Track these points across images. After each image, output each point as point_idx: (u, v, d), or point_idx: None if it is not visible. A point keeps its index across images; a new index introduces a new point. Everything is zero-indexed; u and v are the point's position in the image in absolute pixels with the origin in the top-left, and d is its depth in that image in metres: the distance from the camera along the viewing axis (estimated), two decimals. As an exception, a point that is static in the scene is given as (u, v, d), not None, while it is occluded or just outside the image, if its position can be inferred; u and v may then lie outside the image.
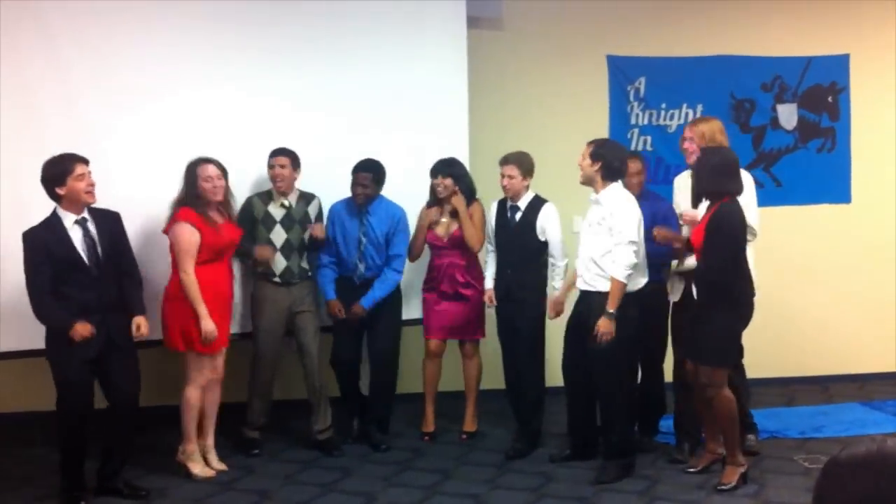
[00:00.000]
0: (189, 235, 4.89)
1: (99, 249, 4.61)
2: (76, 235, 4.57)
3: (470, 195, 5.60)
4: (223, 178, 5.04)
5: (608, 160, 4.93)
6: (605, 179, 4.95)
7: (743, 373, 5.33)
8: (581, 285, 5.04)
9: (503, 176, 5.43)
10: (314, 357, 5.45)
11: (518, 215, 5.47)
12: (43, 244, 4.50)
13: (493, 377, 5.79)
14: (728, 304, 4.71)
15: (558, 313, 5.41)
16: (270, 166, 5.35)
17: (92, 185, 4.57)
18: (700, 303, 4.79)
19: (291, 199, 5.44)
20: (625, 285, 4.83)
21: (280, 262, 5.40)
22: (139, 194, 5.15)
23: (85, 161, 4.57)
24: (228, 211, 5.14)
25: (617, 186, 4.98)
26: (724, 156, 4.77)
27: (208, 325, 4.88)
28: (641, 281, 4.98)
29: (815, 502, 1.36)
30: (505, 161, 5.44)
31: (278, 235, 5.38)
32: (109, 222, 4.70)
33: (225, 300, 5.08)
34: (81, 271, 4.56)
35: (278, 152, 5.36)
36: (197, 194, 4.97)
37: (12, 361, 5.27)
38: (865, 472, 1.30)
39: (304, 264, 5.49)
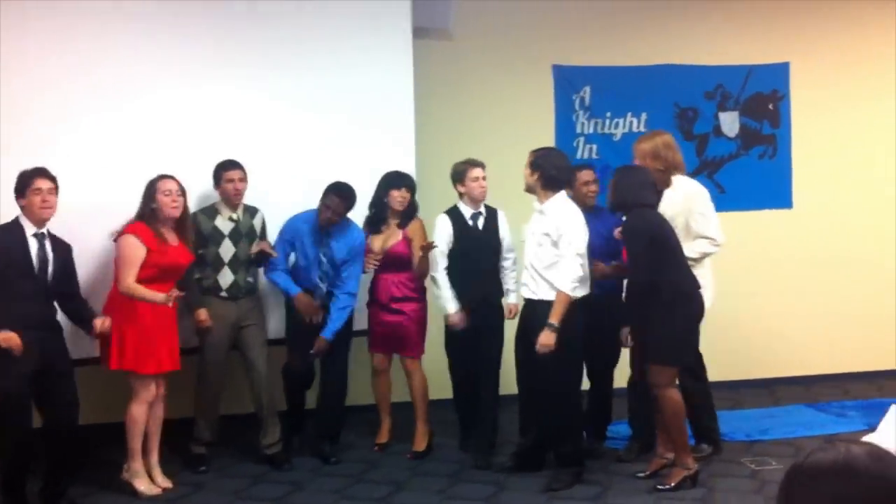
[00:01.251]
0: (134, 248, 4.83)
1: (50, 268, 4.62)
2: (33, 247, 4.57)
3: (414, 214, 5.57)
4: (182, 196, 4.98)
5: (545, 169, 4.96)
6: (545, 189, 4.98)
7: (704, 381, 5.37)
8: (526, 293, 5.06)
9: (476, 178, 5.41)
10: (261, 371, 5.39)
11: (481, 221, 5.47)
12: (1, 246, 4.49)
13: (443, 387, 5.75)
14: (664, 306, 4.78)
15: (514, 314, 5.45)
16: (228, 180, 5.26)
17: (46, 201, 4.55)
18: (639, 308, 4.88)
19: (238, 213, 5.39)
20: (570, 298, 4.85)
21: (227, 277, 5.34)
22: (87, 207, 5.06)
23: (47, 176, 4.58)
24: (185, 233, 5.06)
25: (560, 197, 4.99)
26: (641, 173, 4.96)
27: (157, 296, 4.78)
28: (584, 290, 5.00)
29: None
30: (476, 164, 5.46)
31: (227, 250, 5.32)
32: (63, 250, 4.72)
33: (169, 321, 4.97)
34: (29, 282, 4.53)
35: (233, 165, 5.29)
36: (154, 209, 4.91)
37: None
38: (831, 481, 1.30)
39: (251, 279, 5.43)
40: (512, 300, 5.50)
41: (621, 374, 5.53)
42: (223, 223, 5.34)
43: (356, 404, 5.93)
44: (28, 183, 4.56)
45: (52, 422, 4.66)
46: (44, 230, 4.63)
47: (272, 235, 5.53)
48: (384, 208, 5.52)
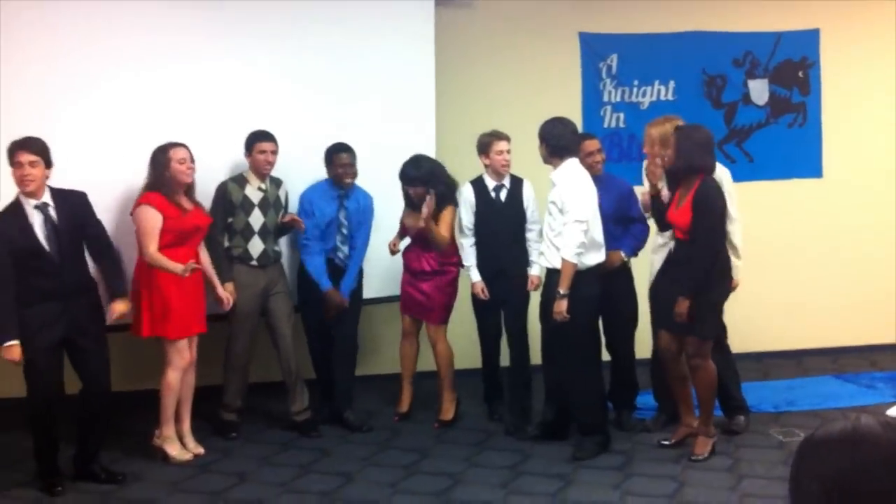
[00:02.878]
0: (151, 218, 4.87)
1: (61, 234, 4.56)
2: (37, 221, 4.52)
3: (449, 194, 5.51)
4: (193, 162, 5.01)
5: (547, 139, 5.00)
6: (553, 158, 4.99)
7: (729, 353, 5.36)
8: (544, 263, 5.08)
9: (501, 152, 5.40)
10: (288, 339, 5.45)
11: (504, 193, 5.46)
12: (4, 234, 4.44)
13: (469, 357, 5.77)
14: (715, 278, 4.79)
15: (536, 286, 5.44)
16: (261, 151, 5.30)
17: (27, 175, 4.48)
18: (691, 281, 4.78)
19: (266, 183, 5.43)
20: (574, 265, 4.84)
21: (258, 245, 5.39)
22: (100, 178, 5.02)
23: (30, 150, 4.48)
24: (193, 197, 5.10)
25: (570, 164, 4.98)
26: (704, 132, 4.87)
27: (176, 267, 4.84)
28: (596, 257, 5.00)
29: (791, 481, 1.36)
30: (500, 137, 5.43)
31: (256, 219, 5.37)
32: (73, 204, 4.64)
33: (193, 286, 5.02)
34: (43, 259, 4.51)
35: (267, 137, 5.33)
36: (166, 178, 4.93)
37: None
38: (840, 451, 1.30)
39: (277, 247, 5.49)
40: (534, 272, 5.48)
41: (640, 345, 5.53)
42: (253, 192, 5.38)
43: (380, 373, 5.96)
44: (11, 157, 4.50)
45: (84, 386, 4.72)
46: (44, 199, 4.56)
47: (292, 208, 5.57)
48: (410, 198, 5.56)
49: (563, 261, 4.84)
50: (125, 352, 5.27)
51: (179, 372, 5.02)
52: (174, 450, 5.06)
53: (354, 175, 5.51)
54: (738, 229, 5.13)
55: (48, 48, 5.08)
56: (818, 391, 6.09)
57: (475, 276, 5.48)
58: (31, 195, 4.52)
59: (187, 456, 5.08)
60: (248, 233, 5.36)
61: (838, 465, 1.29)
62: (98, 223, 4.78)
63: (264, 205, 5.39)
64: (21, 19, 5.01)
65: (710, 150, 4.83)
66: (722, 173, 5.09)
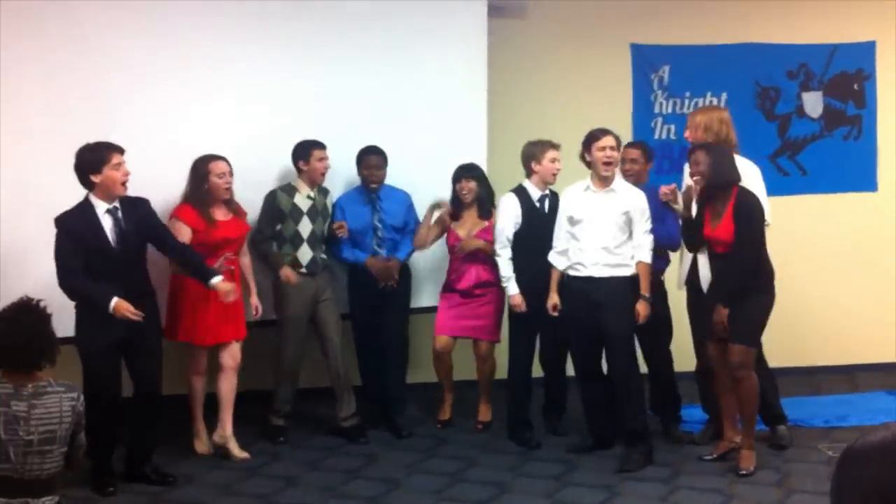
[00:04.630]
0: (179, 232, 4.98)
1: (128, 240, 4.68)
2: (107, 224, 4.64)
3: (489, 200, 5.60)
4: (232, 175, 5.12)
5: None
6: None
7: (766, 364, 5.32)
8: (594, 273, 5.07)
9: (554, 160, 5.42)
10: (337, 345, 5.51)
11: (547, 204, 5.47)
12: (75, 231, 4.57)
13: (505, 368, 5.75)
14: (760, 286, 4.83)
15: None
16: (319, 158, 5.40)
17: (127, 174, 4.64)
18: (731, 288, 4.81)
19: (314, 191, 5.50)
20: (651, 268, 5.03)
21: (307, 253, 5.47)
22: (151, 188, 5.04)
23: (121, 150, 4.64)
24: (234, 205, 5.20)
25: (620, 177, 5.18)
26: (726, 150, 4.97)
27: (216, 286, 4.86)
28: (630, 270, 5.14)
29: (833, 492, 1.36)
30: (551, 146, 5.44)
31: (305, 227, 5.45)
32: (139, 209, 4.77)
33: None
34: (109, 259, 4.62)
35: (323, 145, 5.43)
36: (203, 190, 5.04)
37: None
38: (881, 459, 1.30)
39: (324, 255, 5.56)
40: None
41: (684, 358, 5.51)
42: (302, 200, 5.45)
43: (421, 381, 6.00)
44: (105, 158, 4.57)
45: (138, 386, 4.83)
46: (115, 203, 4.67)
47: None
48: (456, 199, 5.60)
49: (645, 265, 5.03)
50: (178, 356, 5.35)
51: (196, 375, 5.19)
52: (199, 445, 5.24)
53: (382, 178, 5.57)
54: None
55: (90, 56, 5.19)
56: (870, 407, 5.99)
57: (514, 289, 5.41)
58: (111, 198, 4.63)
59: (204, 449, 5.22)
60: (297, 240, 5.44)
61: (878, 474, 1.29)
62: (164, 226, 4.91)
63: (313, 213, 5.47)
64: (86, 31, 5.16)
65: (735, 164, 4.92)
66: (746, 171, 5.06)
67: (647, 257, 5.05)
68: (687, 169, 5.30)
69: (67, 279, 4.56)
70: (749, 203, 4.82)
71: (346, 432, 5.53)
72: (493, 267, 5.52)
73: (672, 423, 5.52)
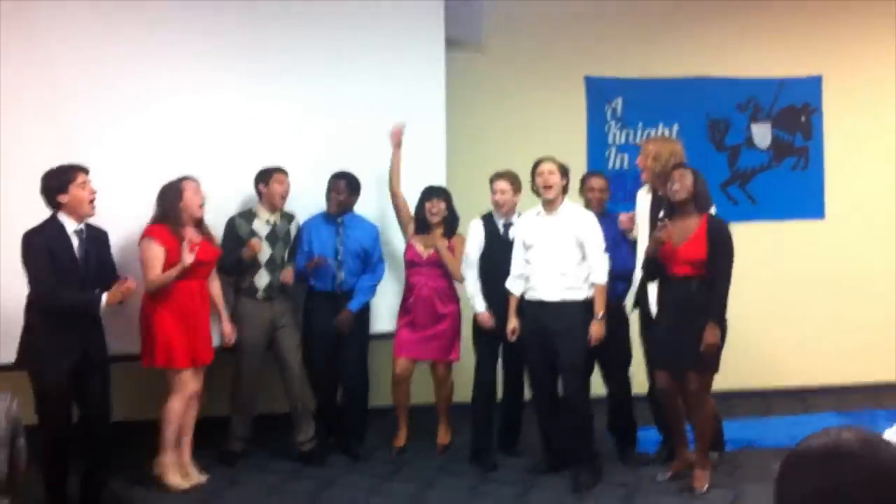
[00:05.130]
0: (153, 251, 4.98)
1: (91, 262, 4.70)
2: (75, 243, 4.65)
3: (455, 224, 5.72)
4: (204, 196, 5.15)
5: (568, 177, 5.31)
6: (563, 195, 5.28)
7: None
8: (546, 297, 5.15)
9: (495, 191, 5.51)
10: (295, 371, 5.52)
11: (512, 231, 5.53)
12: (46, 246, 4.55)
13: (464, 390, 5.78)
14: (723, 311, 4.90)
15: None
16: (279, 181, 5.45)
17: (94, 193, 4.66)
18: (695, 312, 4.86)
19: (275, 216, 5.54)
20: (605, 289, 5.10)
21: (263, 278, 5.48)
22: (109, 212, 5.03)
23: (86, 170, 4.67)
24: (206, 230, 5.22)
25: (568, 201, 5.32)
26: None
27: (182, 262, 4.91)
28: (590, 292, 5.22)
29: (776, 497, 1.40)
30: (497, 176, 5.54)
31: (263, 252, 5.47)
32: (100, 239, 4.80)
33: (197, 317, 5.11)
34: (74, 279, 4.62)
35: (282, 171, 5.48)
36: (178, 210, 5.04)
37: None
38: (822, 465, 1.35)
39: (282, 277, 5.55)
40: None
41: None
42: (260, 226, 5.49)
43: (380, 405, 6.03)
44: (71, 178, 4.60)
45: (87, 414, 4.79)
46: (82, 226, 4.69)
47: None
48: (423, 218, 5.69)
49: (600, 287, 5.11)
50: (128, 382, 5.33)
51: (183, 401, 5.08)
52: (174, 478, 5.10)
53: (349, 205, 5.64)
54: None
55: (57, 82, 5.23)
56: (820, 427, 6.06)
57: (480, 305, 5.52)
58: (79, 218, 4.64)
59: (186, 485, 5.11)
60: (254, 266, 5.45)
61: (819, 479, 1.34)
62: (113, 263, 4.90)
63: (272, 237, 5.50)
64: (47, 42, 5.19)
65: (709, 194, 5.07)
66: None
67: (601, 279, 5.13)
68: (641, 195, 5.43)
69: (51, 292, 4.55)
70: (725, 229, 4.93)
71: (304, 457, 5.53)
72: (449, 286, 5.62)
73: (628, 446, 5.59)
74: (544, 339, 5.14)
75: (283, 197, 5.49)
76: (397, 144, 5.73)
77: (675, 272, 4.95)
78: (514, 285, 5.32)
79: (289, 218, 5.63)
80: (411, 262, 5.71)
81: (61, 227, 4.62)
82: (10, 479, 3.45)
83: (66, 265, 4.59)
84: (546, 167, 5.24)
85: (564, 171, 5.28)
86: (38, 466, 4.66)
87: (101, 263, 4.77)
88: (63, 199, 4.61)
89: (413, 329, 5.68)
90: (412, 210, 5.74)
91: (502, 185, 5.50)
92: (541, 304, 5.17)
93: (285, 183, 5.47)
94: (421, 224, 5.69)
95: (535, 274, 5.21)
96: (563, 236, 5.17)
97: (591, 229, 5.19)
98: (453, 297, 5.68)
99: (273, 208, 5.51)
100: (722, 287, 4.89)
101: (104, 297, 4.55)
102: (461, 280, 5.63)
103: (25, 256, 4.57)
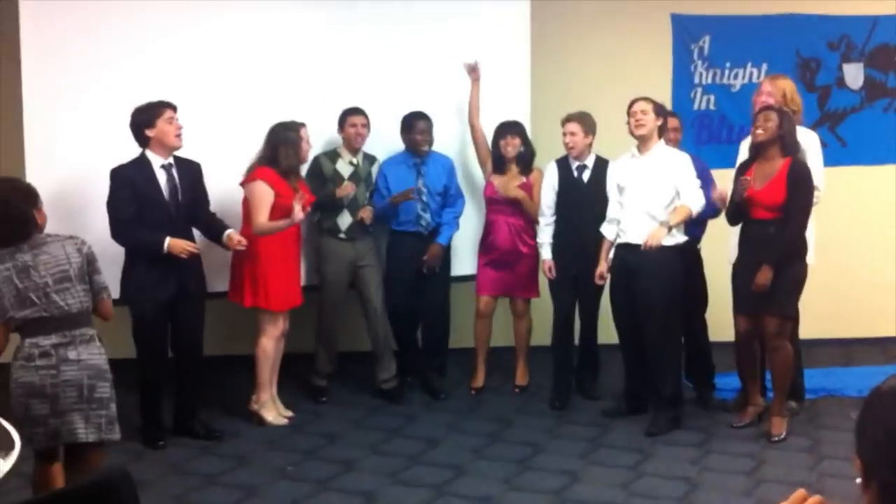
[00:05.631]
0: (263, 193, 5.03)
1: (180, 195, 4.84)
2: (161, 178, 4.80)
3: (531, 160, 5.72)
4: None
5: (665, 118, 5.20)
6: (658, 136, 5.16)
7: (797, 339, 5.38)
8: (633, 239, 5.12)
9: (565, 133, 5.49)
10: (378, 309, 5.64)
11: (586, 174, 5.53)
12: (130, 181, 4.73)
13: (543, 334, 5.86)
14: (801, 256, 4.88)
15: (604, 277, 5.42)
16: (352, 125, 5.49)
17: (180, 128, 4.79)
18: (788, 252, 4.86)
19: (358, 158, 5.61)
20: (691, 216, 5.04)
21: (346, 218, 5.57)
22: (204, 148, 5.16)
23: (174, 107, 4.79)
24: (300, 175, 5.28)
25: (663, 143, 5.21)
26: (794, 120, 5.00)
27: (291, 217, 4.97)
28: (683, 238, 5.15)
29: (857, 426, 1.45)
30: (567, 119, 5.51)
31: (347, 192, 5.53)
32: (192, 171, 4.93)
33: (294, 260, 5.26)
34: (162, 213, 4.78)
35: (357, 112, 5.51)
36: (290, 156, 5.09)
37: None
38: None
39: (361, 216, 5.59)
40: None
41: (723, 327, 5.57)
42: (344, 166, 5.56)
43: (462, 346, 6.14)
44: (158, 112, 4.74)
45: (180, 346, 5.01)
46: (170, 159, 4.83)
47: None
48: (499, 155, 5.70)
49: (686, 206, 5.00)
50: (221, 317, 5.51)
51: (274, 340, 5.24)
52: (270, 414, 5.28)
53: (430, 143, 5.68)
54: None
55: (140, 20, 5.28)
56: (903, 378, 6.01)
57: (546, 253, 5.56)
58: (166, 152, 4.79)
59: (283, 420, 5.30)
60: (337, 206, 5.53)
61: None
62: (206, 194, 5.03)
63: (354, 179, 5.56)
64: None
65: (797, 137, 4.96)
66: (810, 141, 5.14)
67: (690, 203, 5.00)
68: (744, 144, 5.33)
69: (119, 228, 4.74)
70: (805, 172, 4.86)
71: (386, 394, 5.68)
72: (528, 224, 5.67)
73: (706, 390, 5.61)
74: (630, 282, 5.13)
75: (361, 137, 5.52)
76: (476, 79, 5.74)
77: (753, 215, 4.93)
78: (607, 229, 5.31)
79: (371, 160, 5.69)
80: (490, 200, 5.75)
81: (148, 163, 4.77)
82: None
83: (152, 200, 4.76)
84: (639, 106, 5.13)
85: (660, 112, 5.17)
86: (134, 395, 4.94)
87: (193, 195, 4.90)
88: (150, 132, 4.75)
89: (494, 268, 5.75)
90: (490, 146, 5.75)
91: (572, 127, 5.47)
92: (628, 247, 5.15)
93: (359, 125, 5.50)
94: (498, 161, 5.71)
95: (625, 216, 5.18)
96: (654, 178, 5.08)
97: (685, 169, 5.09)
98: (532, 235, 5.71)
99: (353, 150, 5.57)
100: (792, 231, 4.84)
101: (166, 242, 4.67)
102: (536, 221, 5.67)
103: (110, 191, 4.76)
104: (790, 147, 4.89)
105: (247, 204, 5.13)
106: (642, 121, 5.10)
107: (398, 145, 5.77)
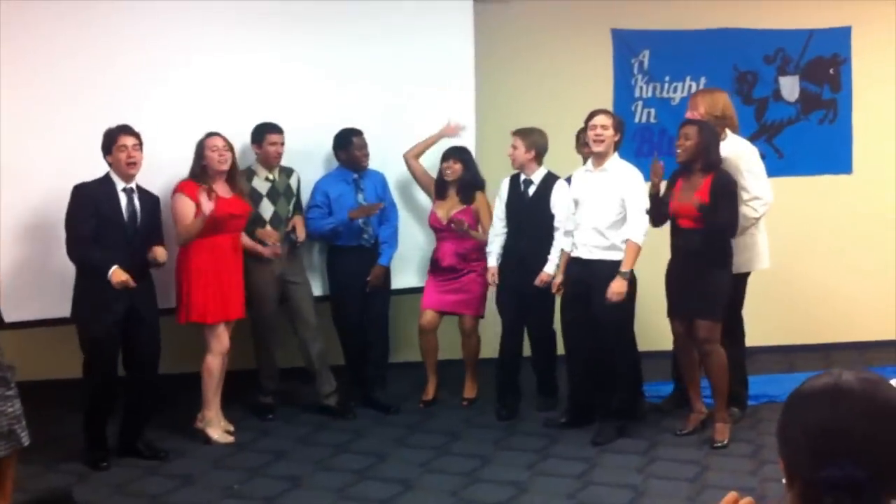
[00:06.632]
0: (183, 205, 5.07)
1: (138, 220, 4.85)
2: (122, 200, 4.83)
3: (476, 184, 5.77)
4: (229, 150, 5.19)
5: (621, 132, 5.23)
6: (615, 150, 5.20)
7: (741, 346, 5.49)
8: (585, 255, 5.18)
9: (511, 147, 5.55)
10: (310, 323, 5.60)
11: (532, 189, 5.58)
12: (92, 199, 4.76)
13: (493, 347, 5.87)
14: (722, 262, 5.01)
15: (543, 282, 5.48)
16: (272, 143, 5.46)
17: (132, 157, 4.79)
18: (699, 262, 4.98)
19: (274, 173, 5.58)
20: (640, 248, 5.05)
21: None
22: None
23: (131, 133, 4.81)
24: (236, 186, 5.26)
25: (618, 157, 5.21)
26: (716, 132, 5.11)
27: (203, 211, 4.95)
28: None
29: (779, 430, 1.49)
30: (513, 133, 5.58)
31: (266, 209, 5.51)
32: (150, 203, 4.95)
33: (228, 272, 5.20)
34: (119, 233, 4.78)
35: (276, 129, 5.48)
36: (203, 166, 5.13)
37: (38, 330, 5.40)
38: (822, 403, 1.43)
39: (292, 235, 5.59)
40: (547, 269, 5.47)
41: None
42: (260, 183, 5.53)
43: (408, 360, 6.14)
44: (113, 140, 4.79)
45: (133, 366, 4.96)
46: (132, 185, 4.86)
47: (305, 196, 5.76)
48: (441, 178, 5.76)
49: (633, 244, 5.02)
50: (172, 335, 5.44)
51: (218, 356, 5.20)
52: (216, 433, 5.24)
53: (369, 156, 5.70)
54: (754, 208, 5.23)
55: (73, 45, 5.22)
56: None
57: (491, 261, 5.64)
58: (125, 178, 4.81)
59: (228, 438, 5.26)
60: (258, 223, 5.47)
61: (820, 416, 1.42)
62: (161, 227, 5.02)
63: (273, 194, 5.54)
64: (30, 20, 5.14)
65: (719, 149, 5.07)
66: (744, 150, 5.26)
67: (634, 237, 5.03)
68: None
69: (75, 246, 4.74)
70: (730, 181, 4.99)
71: (330, 409, 5.65)
72: (476, 247, 5.72)
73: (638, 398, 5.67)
74: (583, 296, 5.17)
75: (278, 156, 5.50)
76: (447, 135, 5.78)
77: (681, 225, 5.08)
78: (564, 242, 5.37)
79: (288, 172, 5.64)
80: (434, 228, 5.81)
81: (112, 184, 4.82)
82: None
83: (112, 220, 4.78)
84: (599, 121, 5.13)
85: (617, 126, 5.20)
86: (78, 415, 4.88)
87: (149, 226, 4.92)
88: (109, 159, 4.83)
89: (441, 285, 5.79)
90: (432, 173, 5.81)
91: (514, 140, 5.55)
92: (579, 261, 5.21)
93: (278, 142, 5.47)
94: (440, 185, 5.75)
95: (577, 231, 5.23)
96: (606, 194, 5.12)
97: (634, 187, 5.12)
98: (480, 256, 5.74)
99: (269, 167, 5.54)
100: (728, 234, 5.00)
101: (112, 268, 4.66)
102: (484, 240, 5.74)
103: (69, 207, 4.76)
104: (710, 162, 4.99)
105: (173, 218, 5.15)
106: (602, 136, 5.11)
107: (321, 161, 5.80)
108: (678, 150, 5.04)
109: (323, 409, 5.68)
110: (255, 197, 5.49)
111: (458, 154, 5.72)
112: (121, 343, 4.87)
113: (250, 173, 5.54)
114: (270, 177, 5.56)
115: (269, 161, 5.51)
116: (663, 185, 5.16)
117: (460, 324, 5.88)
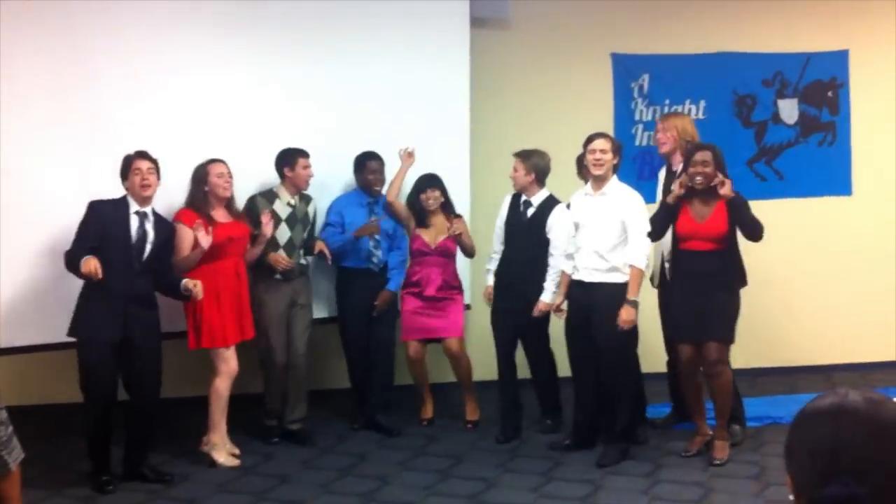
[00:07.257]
0: (181, 235, 5.11)
1: (147, 246, 4.87)
2: (133, 222, 4.86)
3: (453, 208, 5.84)
4: (231, 177, 5.25)
5: (620, 155, 5.25)
6: (613, 173, 5.22)
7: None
8: (586, 278, 5.21)
9: (513, 169, 5.60)
10: (300, 352, 5.61)
11: (530, 211, 5.62)
12: (102, 217, 4.80)
13: (492, 368, 5.86)
14: (732, 285, 5.06)
15: (542, 311, 5.50)
16: (304, 166, 5.53)
17: (146, 180, 4.85)
18: (713, 283, 5.00)
19: (295, 199, 5.63)
20: (642, 273, 5.07)
21: None
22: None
23: (146, 157, 4.89)
24: (235, 209, 5.32)
25: (617, 180, 5.23)
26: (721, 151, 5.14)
27: (201, 241, 4.97)
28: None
29: (785, 449, 1.52)
30: (515, 155, 5.63)
31: (282, 234, 5.53)
32: (164, 230, 4.98)
33: (231, 296, 5.22)
34: (124, 255, 4.80)
35: (305, 153, 5.55)
36: (204, 192, 5.17)
37: (43, 355, 5.44)
38: (826, 421, 1.45)
39: (303, 261, 5.66)
40: (544, 298, 5.47)
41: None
42: (281, 207, 5.56)
43: (408, 384, 6.15)
44: (130, 164, 4.87)
45: (133, 393, 4.96)
46: (146, 209, 4.90)
47: (321, 221, 5.83)
48: (421, 208, 5.80)
49: (635, 269, 5.04)
50: (178, 358, 5.47)
51: (227, 379, 5.21)
52: (221, 456, 5.24)
53: (383, 182, 5.76)
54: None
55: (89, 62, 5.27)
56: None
57: (489, 279, 5.73)
58: (140, 201, 4.86)
59: (234, 462, 5.26)
60: (273, 247, 5.49)
61: (827, 433, 1.44)
62: (169, 257, 5.03)
63: (291, 220, 5.58)
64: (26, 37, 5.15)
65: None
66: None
67: (637, 262, 5.06)
68: (660, 175, 5.52)
69: (71, 251, 4.74)
70: (746, 203, 5.07)
71: (292, 435, 5.62)
72: (455, 273, 5.83)
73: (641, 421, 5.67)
74: (585, 318, 5.19)
75: (308, 180, 5.57)
76: (408, 164, 5.81)
77: (692, 247, 5.07)
78: (564, 264, 5.40)
79: (307, 200, 5.70)
80: (419, 252, 5.82)
81: (126, 206, 4.87)
82: None
83: (119, 241, 4.80)
84: (598, 145, 5.15)
85: (616, 149, 5.23)
86: (83, 440, 4.89)
87: (157, 252, 4.92)
88: (126, 183, 4.91)
89: (421, 313, 5.80)
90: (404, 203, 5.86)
91: (515, 163, 5.60)
92: (581, 285, 5.23)
93: (310, 167, 5.56)
94: (420, 214, 5.79)
95: (577, 254, 5.26)
96: (606, 217, 5.14)
97: (635, 210, 5.13)
98: (457, 282, 5.86)
99: (296, 191, 5.59)
100: (759, 238, 5.10)
101: (83, 260, 4.62)
102: (473, 256, 5.82)
103: (81, 220, 4.81)
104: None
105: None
106: (602, 160, 5.13)
107: (339, 185, 5.85)
108: (697, 179, 5.00)
109: (327, 432, 5.68)
110: (275, 220, 5.50)
111: (434, 182, 5.77)
112: (119, 369, 4.87)
113: (272, 196, 5.56)
114: (292, 202, 5.59)
115: (300, 185, 5.57)
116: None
117: (445, 349, 5.86)
